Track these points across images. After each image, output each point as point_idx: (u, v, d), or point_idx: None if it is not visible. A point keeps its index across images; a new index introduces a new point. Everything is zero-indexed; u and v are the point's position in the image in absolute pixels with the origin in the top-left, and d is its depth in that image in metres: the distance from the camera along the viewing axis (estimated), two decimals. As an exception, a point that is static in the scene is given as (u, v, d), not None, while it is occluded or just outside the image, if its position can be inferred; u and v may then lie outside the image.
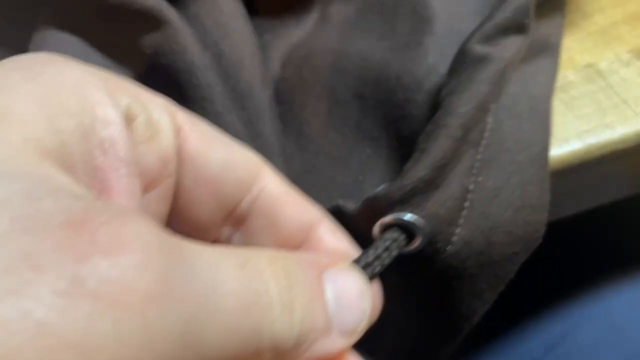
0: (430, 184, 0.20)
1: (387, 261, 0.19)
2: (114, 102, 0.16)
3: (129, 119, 0.16)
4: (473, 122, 0.21)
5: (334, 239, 0.19)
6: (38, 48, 0.24)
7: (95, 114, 0.15)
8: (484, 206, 0.21)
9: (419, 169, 0.20)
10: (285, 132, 0.25)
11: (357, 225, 0.21)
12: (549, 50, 0.26)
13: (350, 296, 0.17)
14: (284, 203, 0.19)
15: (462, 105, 0.21)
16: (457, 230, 0.20)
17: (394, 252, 0.19)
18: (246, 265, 0.15)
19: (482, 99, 0.21)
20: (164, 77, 0.23)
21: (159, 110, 0.17)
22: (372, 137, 0.24)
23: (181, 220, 0.19)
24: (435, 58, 0.23)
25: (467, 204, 0.21)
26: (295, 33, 0.26)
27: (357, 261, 0.19)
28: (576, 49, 0.27)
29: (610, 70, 0.27)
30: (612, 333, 0.34)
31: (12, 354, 0.10)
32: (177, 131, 0.18)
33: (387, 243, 0.19)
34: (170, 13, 0.23)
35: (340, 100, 0.25)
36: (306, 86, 0.25)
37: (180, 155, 0.18)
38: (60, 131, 0.14)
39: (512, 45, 0.23)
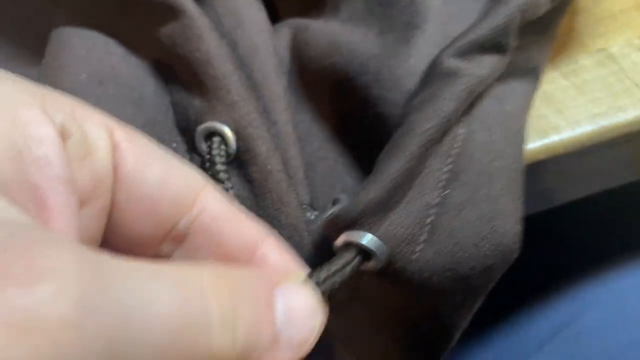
0: (383, 205, 0.20)
1: (338, 281, 0.19)
2: (49, 120, 0.16)
3: (63, 137, 0.16)
4: (433, 142, 0.21)
5: (280, 257, 0.19)
6: (56, 46, 0.24)
7: (28, 133, 0.15)
8: (448, 221, 0.20)
9: (370, 191, 0.20)
10: (296, 122, 0.25)
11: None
12: (529, 74, 0.25)
13: (301, 312, 0.17)
14: (226, 222, 0.19)
15: (423, 124, 0.20)
16: (418, 248, 0.20)
17: (347, 274, 0.19)
18: (183, 284, 0.15)
19: (446, 117, 0.21)
20: (181, 67, 0.23)
21: (95, 128, 0.17)
22: (359, 135, 0.24)
23: (118, 235, 0.19)
24: (417, 59, 0.23)
25: (430, 219, 0.20)
26: (301, 20, 0.26)
27: (308, 279, 0.19)
28: (588, 34, 0.28)
29: (621, 55, 0.27)
30: (619, 316, 0.35)
31: None
32: (114, 149, 0.18)
33: (339, 265, 0.19)
34: (187, 2, 0.23)
35: (332, 95, 0.24)
36: (307, 77, 0.25)
37: (116, 173, 0.18)
38: None
39: (487, 63, 0.22)
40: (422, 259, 0.20)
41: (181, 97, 0.23)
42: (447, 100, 0.21)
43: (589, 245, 0.37)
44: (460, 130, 0.22)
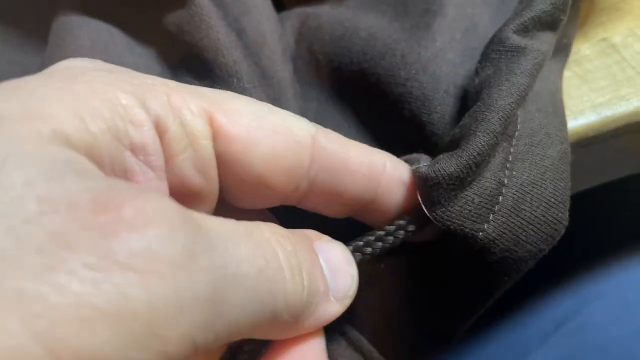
0: (461, 182, 0.20)
1: (378, 250, 0.20)
2: (145, 108, 0.16)
3: (161, 130, 0.17)
4: (512, 116, 0.20)
5: (396, 196, 0.20)
6: (59, 36, 0.24)
7: (127, 118, 0.16)
8: (516, 202, 0.20)
9: (449, 165, 0.20)
10: (304, 109, 0.25)
11: None
12: (562, 51, 0.26)
13: (340, 263, 0.19)
14: (343, 171, 0.19)
15: (502, 98, 0.20)
16: (485, 227, 0.20)
17: (387, 245, 0.20)
18: (253, 234, 0.16)
19: (523, 92, 0.21)
20: (190, 55, 0.23)
21: (193, 116, 0.17)
22: (375, 116, 0.24)
23: (231, 207, 0.19)
24: (443, 43, 0.23)
25: (500, 199, 0.20)
26: (308, 8, 0.26)
27: (350, 243, 0.20)
28: (590, 24, 0.28)
29: (624, 45, 0.27)
30: (623, 309, 0.35)
31: (53, 325, 0.11)
32: (216, 135, 0.17)
33: (382, 233, 0.20)
34: None
35: (345, 78, 0.24)
36: (317, 64, 0.25)
37: (222, 159, 0.18)
38: (91, 131, 0.15)
39: (544, 39, 0.23)
40: (486, 238, 0.20)
41: None
42: (520, 76, 0.21)
43: (592, 238, 0.37)
44: (519, 112, 0.22)
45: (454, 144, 0.21)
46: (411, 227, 0.20)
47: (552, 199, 0.21)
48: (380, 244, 0.20)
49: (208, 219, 0.15)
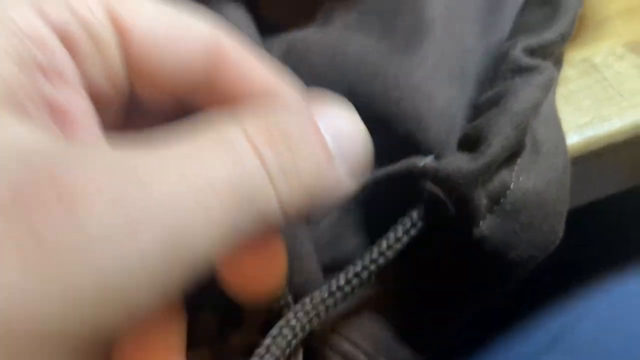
0: (470, 182, 0.20)
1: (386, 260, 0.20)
2: (47, 21, 0.14)
3: (68, 41, 0.15)
4: (526, 122, 0.21)
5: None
6: None
7: (28, 40, 0.14)
8: (515, 207, 0.21)
9: (462, 163, 0.20)
10: None
11: None
12: (556, 63, 0.26)
13: (351, 135, 0.16)
14: (245, 79, 0.18)
15: (517, 105, 0.21)
16: (481, 224, 0.21)
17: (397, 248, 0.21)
18: (228, 146, 0.14)
19: (536, 103, 0.21)
20: None
21: (94, 17, 0.15)
22: (370, 134, 0.24)
23: (142, 111, 0.18)
24: (435, 60, 0.23)
25: (502, 200, 0.21)
26: (296, 33, 0.26)
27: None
28: (571, 44, 0.28)
29: (605, 64, 0.27)
30: (615, 326, 0.35)
31: None
32: (121, 34, 0.16)
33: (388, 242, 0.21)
34: None
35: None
36: (304, 84, 0.25)
37: (127, 56, 0.16)
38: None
39: (550, 60, 0.24)
40: (480, 234, 0.21)
41: None
42: (537, 89, 0.21)
43: (581, 255, 0.37)
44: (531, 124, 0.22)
45: (466, 143, 0.21)
46: (413, 231, 0.21)
47: (552, 210, 0.21)
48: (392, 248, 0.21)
49: (154, 152, 0.13)
